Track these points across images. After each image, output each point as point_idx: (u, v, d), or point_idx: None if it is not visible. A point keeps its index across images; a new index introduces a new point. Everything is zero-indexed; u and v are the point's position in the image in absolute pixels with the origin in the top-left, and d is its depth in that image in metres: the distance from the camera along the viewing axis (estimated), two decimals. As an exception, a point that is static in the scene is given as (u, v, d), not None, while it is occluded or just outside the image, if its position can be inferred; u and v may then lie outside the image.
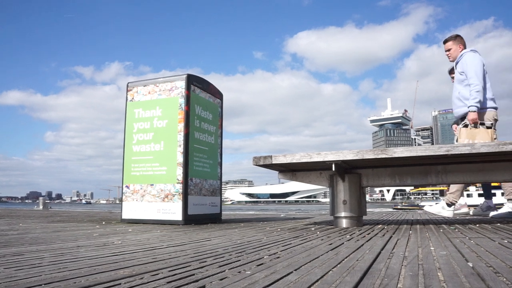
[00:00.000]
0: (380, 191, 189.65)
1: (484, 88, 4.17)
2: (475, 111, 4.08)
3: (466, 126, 4.00)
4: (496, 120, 4.22)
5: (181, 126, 4.10)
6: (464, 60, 4.32)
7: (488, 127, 3.87)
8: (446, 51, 4.63)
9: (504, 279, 1.13)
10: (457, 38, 4.54)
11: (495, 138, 4.04)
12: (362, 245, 2.01)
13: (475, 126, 3.99)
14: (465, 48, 4.47)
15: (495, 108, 4.28)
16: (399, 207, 40.36)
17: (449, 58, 4.61)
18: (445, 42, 4.63)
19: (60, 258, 1.64)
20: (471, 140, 3.78)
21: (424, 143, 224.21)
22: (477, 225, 3.37)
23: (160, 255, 1.72)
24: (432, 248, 1.86)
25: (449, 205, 4.62)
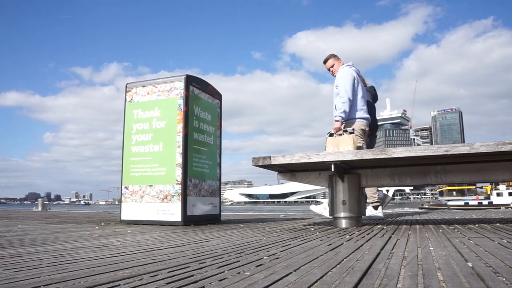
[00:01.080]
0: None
1: (352, 100, 4.42)
2: (339, 121, 4.35)
3: (331, 135, 4.17)
4: (363, 131, 4.49)
5: (180, 127, 4.09)
6: (338, 74, 4.59)
7: (350, 133, 4.02)
8: (329, 68, 4.89)
9: (504, 279, 1.13)
10: (335, 55, 4.88)
11: (360, 146, 4.25)
12: (362, 245, 2.01)
13: (340, 134, 4.13)
14: (342, 64, 4.77)
15: (365, 119, 4.53)
16: (426, 206, 39.32)
17: (333, 74, 4.83)
18: (325, 61, 4.92)
19: (59, 259, 1.64)
20: (336, 148, 3.91)
21: (423, 143, 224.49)
22: (476, 225, 3.37)
23: (160, 256, 1.71)
24: (432, 248, 1.86)
25: (375, 208, 4.82)
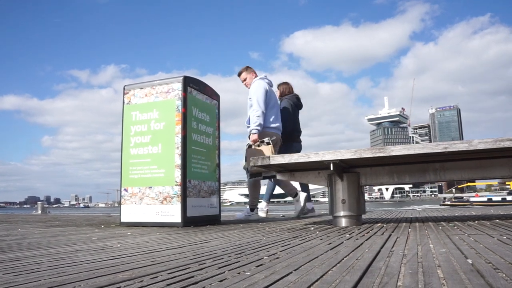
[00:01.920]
0: (379, 189, 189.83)
1: (264, 113, 4.77)
2: (255, 134, 4.67)
3: (250, 146, 4.56)
4: (274, 140, 4.75)
5: (178, 128, 4.09)
6: (251, 87, 4.87)
7: (267, 143, 4.46)
8: (242, 81, 5.19)
9: (504, 275, 1.13)
10: (248, 68, 5.16)
11: (272, 150, 4.55)
12: (362, 244, 2.01)
13: (258, 146, 4.55)
14: (256, 76, 5.04)
15: (275, 129, 4.94)
16: (448, 203, 38.34)
17: (247, 87, 5.12)
18: (239, 74, 5.24)
19: (59, 262, 1.64)
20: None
21: (422, 140, 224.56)
22: (476, 221, 3.38)
23: (159, 257, 1.71)
24: (432, 246, 1.86)
25: (252, 209, 5.24)
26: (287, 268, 1.34)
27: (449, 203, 37.99)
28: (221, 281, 1.16)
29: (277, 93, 5.25)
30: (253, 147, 4.57)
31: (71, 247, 2.25)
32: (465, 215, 4.68)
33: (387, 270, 1.28)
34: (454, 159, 3.38)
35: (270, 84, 5.02)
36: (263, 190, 5.63)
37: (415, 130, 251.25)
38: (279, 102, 5.38)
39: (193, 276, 1.25)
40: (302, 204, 5.22)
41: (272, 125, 4.88)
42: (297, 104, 5.66)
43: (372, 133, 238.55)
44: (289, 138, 5.40)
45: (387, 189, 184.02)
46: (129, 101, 4.42)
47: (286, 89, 5.75)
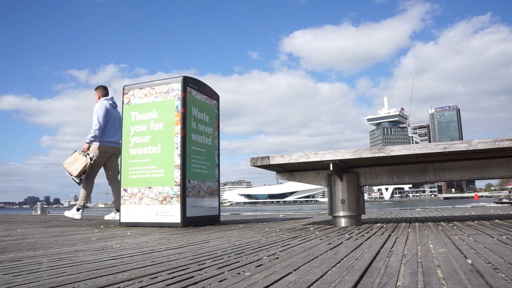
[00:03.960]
0: (379, 189, 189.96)
1: (102, 128, 5.70)
2: (88, 143, 5.63)
3: (82, 152, 5.61)
4: (104, 152, 5.74)
5: (178, 128, 4.09)
6: (96, 106, 5.85)
7: (91, 158, 5.54)
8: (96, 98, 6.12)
9: (503, 275, 1.13)
10: (97, 89, 6.13)
11: (86, 166, 5.50)
12: (361, 244, 2.02)
13: (84, 154, 5.58)
14: (102, 96, 6.01)
15: (110, 142, 5.80)
16: (505, 200, 36.73)
17: (97, 101, 6.02)
18: (95, 90, 6.21)
19: (59, 263, 1.64)
20: (73, 161, 5.53)
21: (422, 140, 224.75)
22: (476, 222, 3.38)
23: (159, 258, 1.71)
24: (431, 246, 1.86)
25: (78, 209, 5.97)
26: (286, 268, 1.34)
27: (506, 200, 36.97)
28: (220, 281, 1.16)
29: (96, 96, 6.09)
30: (78, 152, 5.62)
31: (70, 247, 2.25)
32: (464, 215, 4.68)
33: (386, 270, 1.28)
34: (454, 159, 3.38)
35: (114, 105, 5.99)
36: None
37: (415, 130, 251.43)
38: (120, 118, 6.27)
39: (193, 276, 1.25)
40: (76, 215, 5.95)
41: (109, 139, 5.83)
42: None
43: (372, 133, 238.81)
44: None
45: (386, 189, 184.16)
46: (129, 101, 4.42)
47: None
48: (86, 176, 5.64)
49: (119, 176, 5.75)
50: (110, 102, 5.93)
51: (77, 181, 5.55)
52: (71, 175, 5.52)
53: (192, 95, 4.29)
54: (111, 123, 5.81)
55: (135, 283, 1.16)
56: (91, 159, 5.51)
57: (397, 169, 3.60)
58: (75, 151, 5.66)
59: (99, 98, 5.99)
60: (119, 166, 4.37)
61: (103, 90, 6.08)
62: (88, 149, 5.60)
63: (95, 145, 5.69)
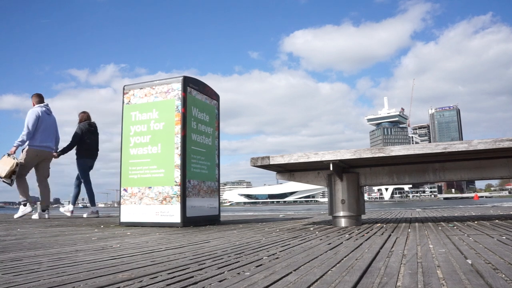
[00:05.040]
0: (379, 190, 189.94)
1: (31, 134, 6.11)
2: (15, 146, 6.08)
3: (9, 155, 6.02)
4: (33, 155, 6.22)
5: (178, 128, 4.09)
6: (28, 113, 6.22)
7: (14, 158, 5.99)
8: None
9: (503, 276, 1.13)
10: (32, 97, 6.50)
11: (14, 166, 5.95)
12: (361, 244, 2.02)
13: (12, 157, 5.99)
14: (37, 103, 6.39)
15: (42, 147, 6.26)
16: None
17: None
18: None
19: (59, 262, 1.64)
20: (3, 164, 5.94)
21: (422, 141, 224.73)
22: (476, 222, 3.38)
23: (159, 258, 1.71)
24: (431, 246, 1.86)
25: (24, 204, 6.48)
26: (286, 268, 1.34)
27: None
28: (220, 281, 1.16)
29: (32, 103, 6.48)
30: (6, 156, 6.05)
31: (70, 247, 2.25)
32: (464, 215, 4.68)
33: (386, 270, 1.28)
34: (454, 159, 3.38)
35: (47, 111, 6.38)
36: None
37: (415, 131, 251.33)
38: (56, 125, 6.72)
39: (192, 276, 1.25)
40: (26, 212, 6.46)
41: (39, 144, 6.21)
42: (89, 129, 7.07)
43: (372, 133, 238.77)
44: (81, 155, 6.95)
45: (386, 189, 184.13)
46: (129, 101, 4.42)
47: (83, 117, 7.18)
48: (18, 176, 6.10)
49: (48, 179, 6.56)
50: (43, 109, 6.35)
51: (8, 182, 6.01)
52: (1, 177, 5.96)
53: (192, 95, 4.29)
54: (43, 129, 6.26)
55: (135, 283, 1.16)
56: (18, 162, 6.03)
57: (397, 169, 3.60)
58: (4, 154, 6.13)
59: (33, 105, 6.42)
60: (120, 166, 4.37)
61: (38, 98, 6.50)
62: (15, 152, 6.13)
63: (27, 148, 6.19)
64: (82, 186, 7.14)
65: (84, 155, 6.99)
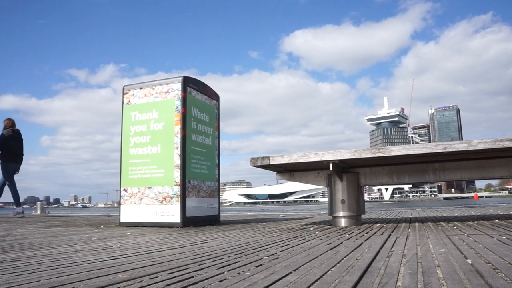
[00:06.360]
0: (378, 190, 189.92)
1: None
2: None
3: None
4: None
5: (178, 128, 4.09)
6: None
7: None
8: None
9: (503, 275, 1.13)
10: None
11: None
12: (361, 244, 2.02)
13: None
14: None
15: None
16: None
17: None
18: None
19: (59, 263, 1.64)
20: None
21: (422, 141, 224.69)
22: (476, 222, 3.38)
23: (159, 258, 1.71)
24: (431, 246, 1.86)
25: None
26: (286, 268, 1.34)
27: None
28: (220, 281, 1.16)
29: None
30: None
31: (70, 247, 2.25)
32: (464, 215, 4.69)
33: (386, 270, 1.28)
34: (454, 159, 3.38)
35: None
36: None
37: (415, 130, 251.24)
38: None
39: (192, 276, 1.25)
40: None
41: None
42: (12, 136, 7.47)
43: (372, 133, 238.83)
44: (6, 159, 7.37)
45: (386, 189, 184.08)
46: (129, 101, 4.42)
47: (8, 124, 7.54)
48: None
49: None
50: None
51: None
52: None
53: (192, 95, 4.29)
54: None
55: (135, 283, 1.16)
56: None
57: (397, 169, 3.60)
58: None
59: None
60: (120, 166, 4.37)
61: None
62: None
63: None
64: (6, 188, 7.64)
65: (9, 160, 7.43)
